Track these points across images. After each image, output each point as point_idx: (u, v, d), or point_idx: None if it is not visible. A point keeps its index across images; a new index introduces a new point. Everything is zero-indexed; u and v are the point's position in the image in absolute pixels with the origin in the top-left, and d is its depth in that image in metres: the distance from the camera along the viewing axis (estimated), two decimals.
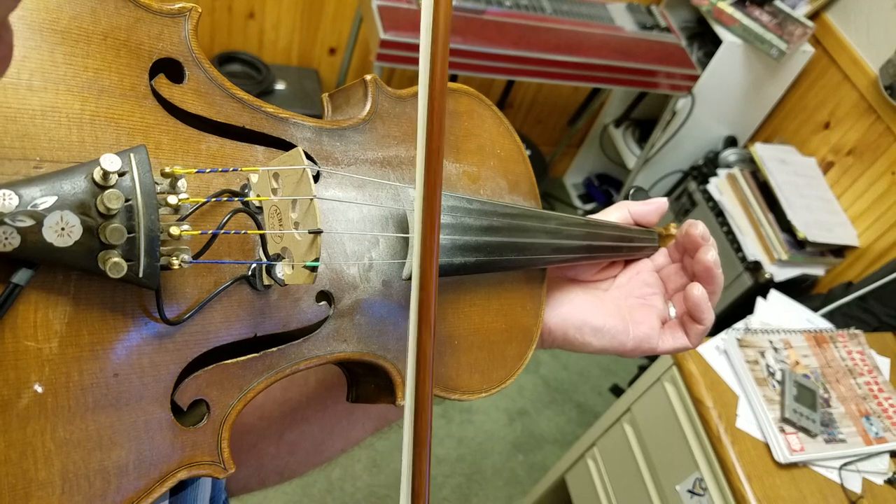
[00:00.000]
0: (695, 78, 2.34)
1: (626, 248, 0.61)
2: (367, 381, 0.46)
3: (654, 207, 0.63)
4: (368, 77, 0.46)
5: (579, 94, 2.87)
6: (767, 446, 1.31)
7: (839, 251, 2.26)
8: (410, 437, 0.35)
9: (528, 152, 0.57)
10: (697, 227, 0.58)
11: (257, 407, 0.61)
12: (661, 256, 0.65)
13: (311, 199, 0.35)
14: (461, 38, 1.98)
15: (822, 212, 2.25)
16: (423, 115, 0.36)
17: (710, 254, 0.57)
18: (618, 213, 0.63)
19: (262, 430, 0.61)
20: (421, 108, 0.36)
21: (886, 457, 1.37)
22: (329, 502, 2.02)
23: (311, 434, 0.62)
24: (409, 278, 0.44)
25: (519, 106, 2.88)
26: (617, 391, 2.53)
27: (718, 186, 2.38)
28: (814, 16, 2.34)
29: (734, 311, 2.23)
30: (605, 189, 3.11)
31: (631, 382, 2.30)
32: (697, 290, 0.57)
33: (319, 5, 2.36)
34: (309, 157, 0.41)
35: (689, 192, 2.51)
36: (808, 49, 2.39)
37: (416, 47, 1.89)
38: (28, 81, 0.31)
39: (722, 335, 1.46)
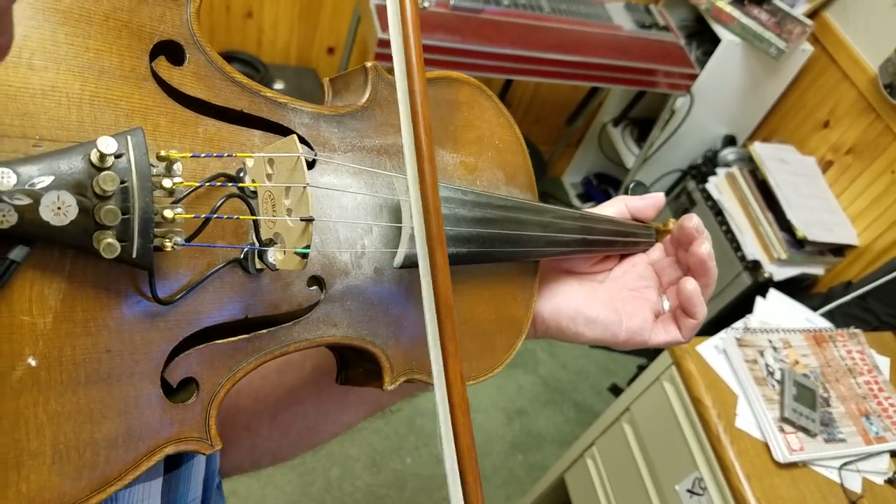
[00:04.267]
0: (693, 77, 2.34)
1: (621, 242, 0.61)
2: (356, 365, 0.47)
3: (651, 202, 0.63)
4: (369, 64, 0.46)
5: (578, 93, 2.87)
6: (767, 446, 1.31)
7: (839, 250, 2.26)
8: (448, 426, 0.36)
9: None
10: (692, 220, 0.58)
11: (253, 389, 0.61)
12: (657, 251, 0.65)
13: (305, 187, 0.36)
14: (459, 38, 1.98)
15: (821, 211, 2.24)
16: (406, 117, 0.36)
17: (704, 246, 0.57)
18: (615, 207, 0.63)
19: (257, 411, 0.62)
20: (403, 111, 0.36)
21: (886, 456, 1.37)
22: (328, 502, 2.01)
23: (305, 416, 0.63)
24: (402, 266, 0.44)
25: (517, 105, 2.88)
26: (616, 391, 2.53)
27: (717, 185, 2.38)
28: (813, 14, 2.34)
29: (733, 311, 2.23)
30: (603, 188, 3.11)
31: (630, 382, 2.30)
32: (690, 284, 0.57)
33: (317, 5, 2.36)
34: (306, 142, 0.42)
35: (687, 191, 2.51)
36: (807, 48, 2.39)
37: None
38: (29, 60, 0.31)
39: (721, 334, 1.46)
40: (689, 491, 1.38)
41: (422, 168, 0.37)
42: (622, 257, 0.65)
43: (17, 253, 0.29)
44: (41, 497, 0.30)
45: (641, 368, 2.43)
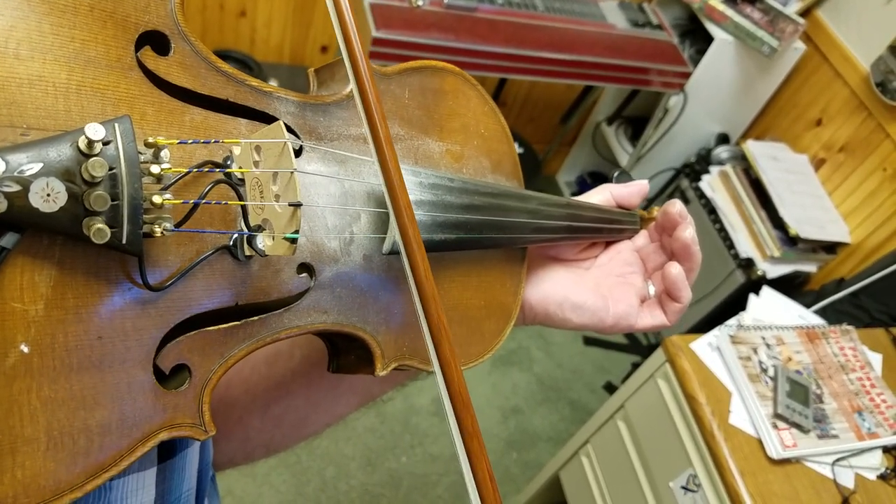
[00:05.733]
0: (687, 75, 2.35)
1: (606, 229, 0.62)
2: (347, 353, 0.48)
3: (635, 189, 0.64)
4: None
5: (572, 91, 2.87)
6: (760, 442, 1.31)
7: (831, 248, 2.27)
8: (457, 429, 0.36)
9: (520, 150, 0.58)
10: (675, 206, 0.59)
11: (243, 380, 0.62)
12: (642, 237, 0.66)
13: (292, 173, 0.36)
14: (453, 36, 1.98)
15: (813, 209, 2.26)
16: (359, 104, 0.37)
17: (688, 231, 0.58)
18: (600, 195, 0.64)
19: (248, 403, 0.62)
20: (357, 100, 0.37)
21: (879, 452, 1.38)
22: (323, 501, 2.01)
23: (296, 408, 0.63)
24: (390, 252, 0.45)
25: (511, 104, 2.88)
26: (610, 388, 2.54)
27: (711, 184, 2.39)
28: (805, 13, 2.35)
29: (727, 308, 2.24)
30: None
31: (624, 379, 2.31)
32: (675, 268, 0.58)
33: (311, 3, 2.35)
34: (292, 131, 0.42)
35: (681, 189, 2.52)
36: (800, 46, 2.40)
37: (409, 45, 1.90)
38: (15, 51, 0.31)
39: (715, 332, 1.46)
40: (683, 488, 1.39)
41: (376, 136, 0.37)
42: (608, 244, 0.66)
43: (7, 240, 0.29)
44: (36, 483, 0.30)
45: (636, 366, 2.44)
